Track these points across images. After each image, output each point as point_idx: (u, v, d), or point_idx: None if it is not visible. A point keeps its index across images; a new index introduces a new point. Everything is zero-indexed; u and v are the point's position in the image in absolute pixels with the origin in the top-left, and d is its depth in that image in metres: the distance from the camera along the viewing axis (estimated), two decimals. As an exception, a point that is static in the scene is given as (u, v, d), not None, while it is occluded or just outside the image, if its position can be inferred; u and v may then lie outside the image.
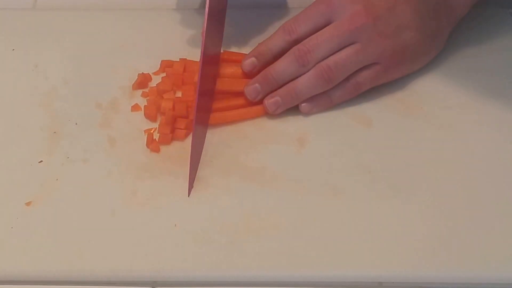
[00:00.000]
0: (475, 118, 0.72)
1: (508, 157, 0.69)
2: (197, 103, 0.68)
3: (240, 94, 0.73)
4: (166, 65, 0.76)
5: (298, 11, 0.73)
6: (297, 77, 0.71)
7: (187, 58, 0.76)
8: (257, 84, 0.72)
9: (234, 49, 0.77)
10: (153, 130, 0.72)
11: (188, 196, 0.67)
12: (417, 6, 0.71)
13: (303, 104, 0.72)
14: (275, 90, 0.72)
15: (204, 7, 0.82)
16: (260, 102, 0.72)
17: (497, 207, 0.66)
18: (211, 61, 0.72)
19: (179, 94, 0.74)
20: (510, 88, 0.74)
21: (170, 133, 0.71)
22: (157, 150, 0.71)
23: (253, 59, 0.72)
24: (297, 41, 0.71)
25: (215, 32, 0.73)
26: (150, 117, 0.73)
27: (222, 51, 0.76)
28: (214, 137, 0.72)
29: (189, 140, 0.71)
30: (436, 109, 0.72)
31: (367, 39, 0.70)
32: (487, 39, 0.75)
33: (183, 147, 0.71)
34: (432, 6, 0.72)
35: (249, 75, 0.73)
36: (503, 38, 0.77)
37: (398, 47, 0.71)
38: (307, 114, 0.72)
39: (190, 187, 0.67)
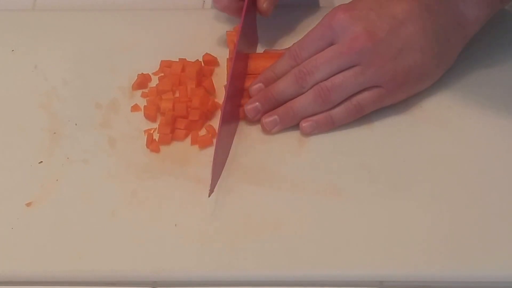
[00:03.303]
0: (475, 117, 0.72)
1: (509, 157, 0.69)
2: (224, 106, 0.69)
3: None
4: (166, 65, 0.76)
5: (328, 11, 0.72)
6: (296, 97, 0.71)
7: (187, 59, 0.76)
8: (257, 103, 0.71)
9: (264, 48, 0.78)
10: (153, 130, 0.72)
11: (209, 197, 0.66)
12: (424, 27, 0.70)
13: (304, 125, 0.71)
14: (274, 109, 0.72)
15: (205, 8, 0.83)
16: None
17: (498, 207, 0.66)
18: (243, 61, 0.73)
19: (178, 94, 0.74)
20: (510, 87, 0.74)
21: (170, 133, 0.71)
22: (157, 150, 0.71)
23: (260, 84, 0.72)
24: (302, 61, 0.71)
25: (250, 23, 0.75)
26: (150, 117, 0.73)
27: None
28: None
29: (188, 140, 0.71)
30: (436, 109, 0.72)
31: (367, 62, 0.69)
32: (486, 39, 0.75)
33: (183, 147, 0.71)
34: (441, 26, 0.70)
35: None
36: (502, 37, 0.77)
37: (400, 70, 0.70)
38: (308, 135, 0.71)
39: (212, 189, 0.66)
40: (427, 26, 0.70)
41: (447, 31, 0.71)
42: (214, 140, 0.71)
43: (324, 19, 0.71)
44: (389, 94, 0.71)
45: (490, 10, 0.72)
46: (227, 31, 0.77)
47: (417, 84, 0.72)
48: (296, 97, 0.71)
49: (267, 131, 0.71)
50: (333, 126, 0.71)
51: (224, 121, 0.69)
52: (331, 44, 0.70)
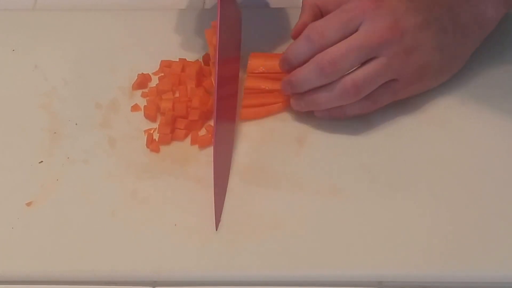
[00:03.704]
0: (475, 118, 0.72)
1: (509, 157, 0.69)
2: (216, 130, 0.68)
3: (269, 91, 0.73)
4: (166, 65, 0.76)
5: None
6: (320, 86, 0.69)
7: (187, 59, 0.76)
8: (287, 87, 0.70)
9: (251, 49, 0.76)
10: (153, 130, 0.72)
11: (216, 230, 0.65)
12: (445, 26, 0.70)
13: (318, 111, 0.71)
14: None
15: (205, 7, 0.82)
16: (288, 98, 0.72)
17: (497, 207, 0.66)
18: (228, 64, 0.72)
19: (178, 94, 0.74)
20: (509, 88, 0.74)
21: (170, 133, 0.71)
22: (157, 150, 0.71)
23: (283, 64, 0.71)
24: (323, 47, 0.68)
25: (230, 34, 0.73)
26: (150, 117, 0.73)
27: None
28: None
29: (188, 140, 0.71)
30: (436, 109, 0.72)
31: (392, 54, 0.68)
32: (487, 40, 0.75)
33: (183, 147, 0.71)
34: (460, 26, 0.70)
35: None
36: (502, 38, 0.77)
37: (419, 65, 0.69)
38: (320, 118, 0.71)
39: (218, 220, 0.65)
40: (448, 26, 0.70)
41: (465, 32, 0.71)
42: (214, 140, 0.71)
43: (350, 5, 0.69)
44: (404, 88, 0.70)
45: (504, 11, 0.72)
46: (205, 29, 0.75)
47: (431, 80, 0.72)
48: (319, 85, 0.69)
49: (294, 109, 0.71)
50: (345, 117, 0.70)
51: (217, 144, 0.68)
52: (356, 29, 0.68)
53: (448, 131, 0.71)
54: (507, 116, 0.72)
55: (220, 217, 0.66)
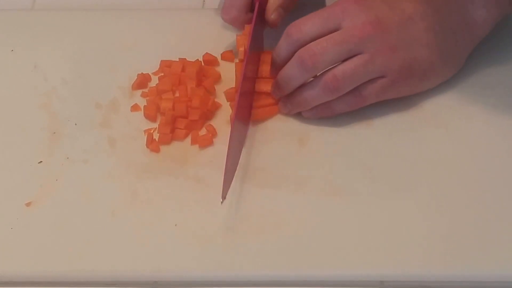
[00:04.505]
0: (475, 118, 0.72)
1: (509, 157, 0.69)
2: (237, 107, 0.68)
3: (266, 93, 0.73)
4: (166, 65, 0.76)
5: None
6: (305, 82, 0.70)
7: (187, 59, 0.76)
8: (275, 89, 0.72)
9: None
10: (153, 130, 0.72)
11: (221, 203, 0.65)
12: (432, 25, 0.70)
13: (305, 111, 0.71)
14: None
15: (205, 8, 0.82)
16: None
17: (497, 206, 0.66)
18: (253, 61, 0.72)
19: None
20: (510, 88, 0.74)
21: (170, 133, 0.71)
22: (157, 150, 0.71)
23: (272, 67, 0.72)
24: (301, 41, 0.69)
25: (259, 32, 0.74)
26: (150, 117, 0.73)
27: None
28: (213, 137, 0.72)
29: (188, 140, 0.71)
30: (437, 109, 0.72)
31: (375, 50, 0.68)
32: (488, 40, 0.75)
33: (183, 147, 0.71)
34: (449, 27, 0.70)
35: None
36: (503, 38, 0.77)
37: (406, 61, 0.69)
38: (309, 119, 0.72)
39: (224, 196, 0.65)
40: (435, 25, 0.70)
41: (455, 32, 0.71)
42: (215, 140, 0.71)
43: (331, 4, 0.70)
44: (393, 85, 0.70)
45: (498, 13, 0.72)
46: (237, 35, 0.75)
47: (421, 80, 0.71)
48: (303, 82, 0.69)
49: (284, 113, 0.72)
50: (332, 115, 0.71)
51: (236, 123, 0.68)
52: (338, 26, 0.68)
53: (448, 131, 0.71)
54: (507, 116, 0.72)
55: (226, 194, 0.65)
